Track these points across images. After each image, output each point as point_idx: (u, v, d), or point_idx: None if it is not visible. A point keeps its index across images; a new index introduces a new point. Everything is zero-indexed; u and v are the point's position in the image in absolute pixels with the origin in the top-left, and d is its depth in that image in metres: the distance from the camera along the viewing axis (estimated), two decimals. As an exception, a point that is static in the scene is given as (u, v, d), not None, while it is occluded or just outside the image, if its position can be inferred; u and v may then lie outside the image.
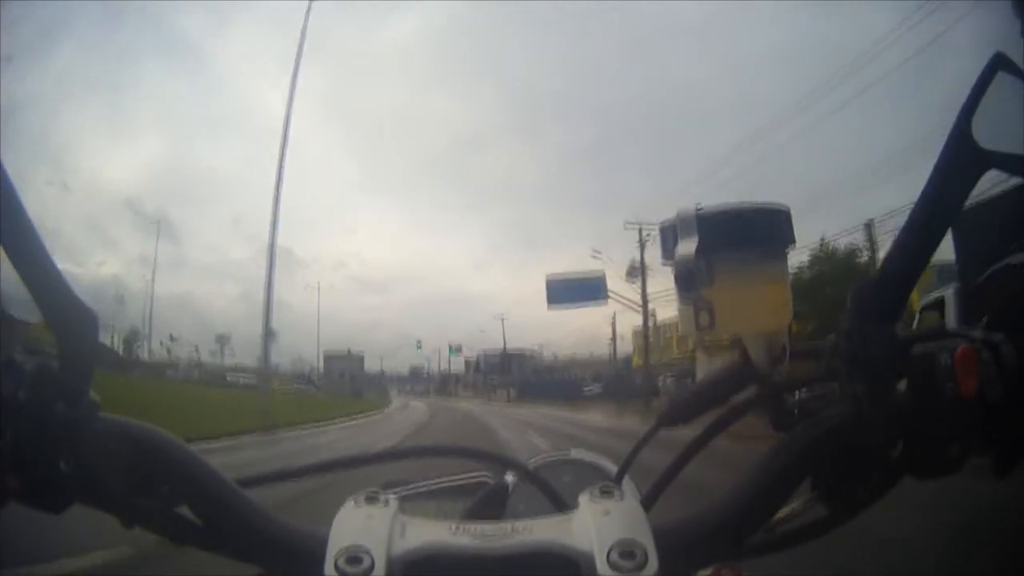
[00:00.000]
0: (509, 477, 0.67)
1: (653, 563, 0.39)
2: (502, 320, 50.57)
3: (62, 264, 0.41)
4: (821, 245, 18.93)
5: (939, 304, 7.66)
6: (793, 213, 0.47)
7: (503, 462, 0.63)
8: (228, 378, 43.58)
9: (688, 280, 0.45)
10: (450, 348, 60.39)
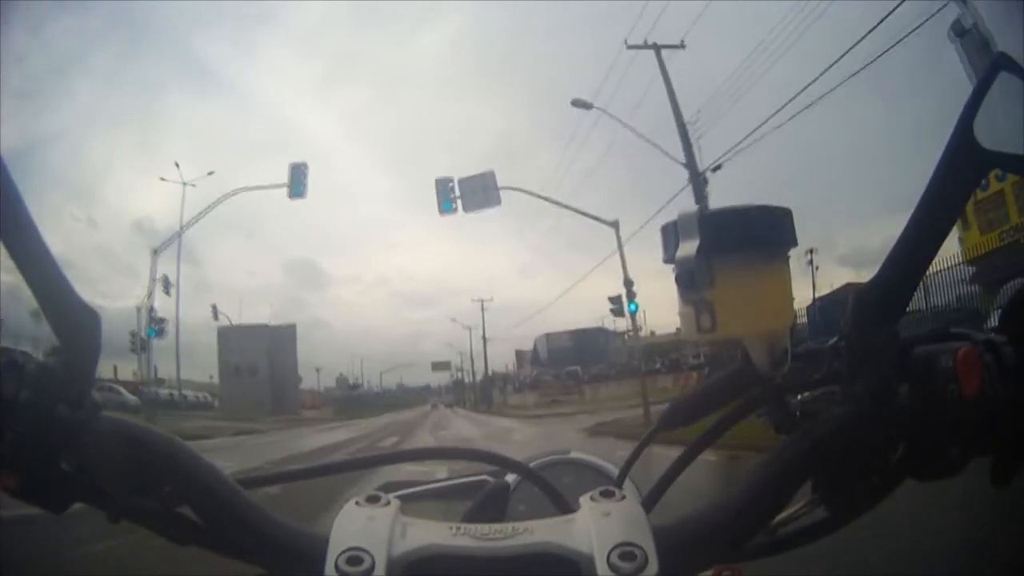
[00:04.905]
0: (510, 478, 0.67)
1: (653, 565, 0.39)
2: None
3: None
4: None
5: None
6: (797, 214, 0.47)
7: (504, 463, 0.63)
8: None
9: (689, 281, 0.45)
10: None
